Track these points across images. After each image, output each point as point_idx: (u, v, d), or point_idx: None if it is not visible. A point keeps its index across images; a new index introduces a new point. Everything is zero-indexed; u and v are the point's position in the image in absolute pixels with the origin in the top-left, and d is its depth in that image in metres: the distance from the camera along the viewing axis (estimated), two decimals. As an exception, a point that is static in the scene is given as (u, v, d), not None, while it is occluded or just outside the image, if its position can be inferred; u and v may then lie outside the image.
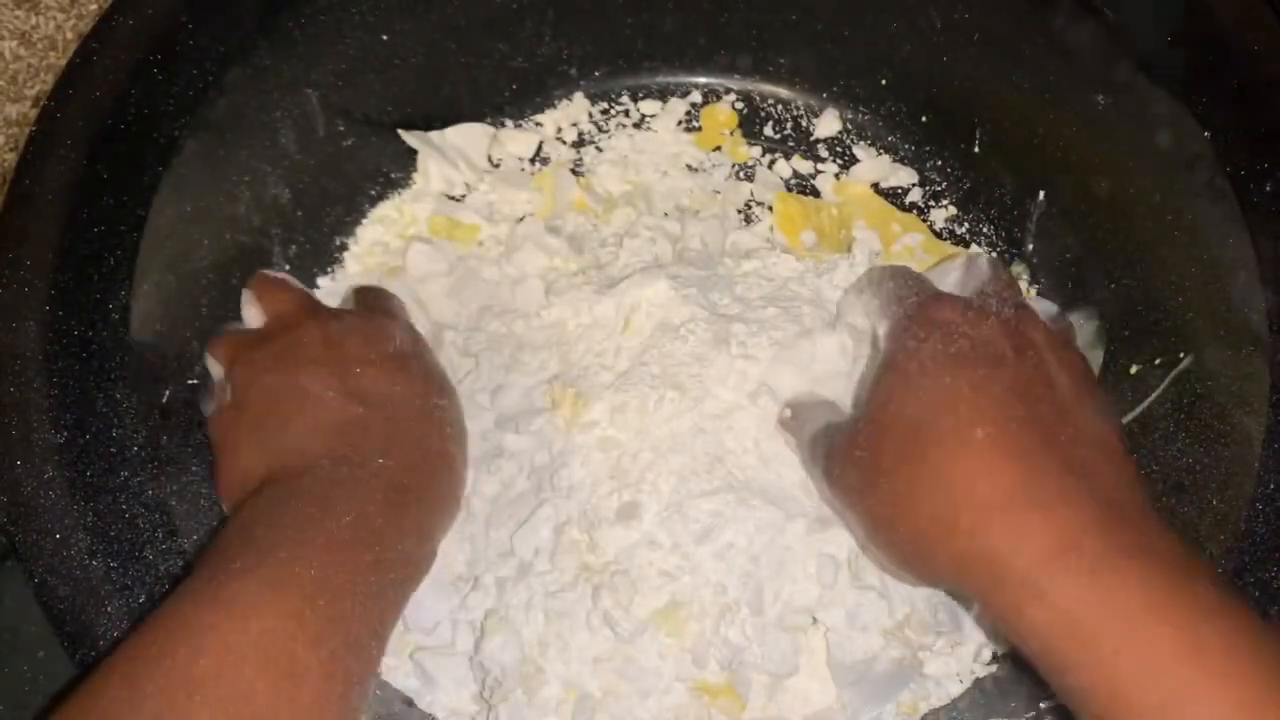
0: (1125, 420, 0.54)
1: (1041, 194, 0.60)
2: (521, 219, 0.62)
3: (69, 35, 0.72)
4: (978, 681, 0.51)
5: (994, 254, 0.63)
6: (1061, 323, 0.48)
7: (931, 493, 0.39)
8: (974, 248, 0.63)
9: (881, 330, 0.46)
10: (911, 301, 0.45)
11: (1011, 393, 0.40)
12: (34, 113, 0.69)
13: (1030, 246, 0.62)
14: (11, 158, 0.69)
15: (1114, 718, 0.34)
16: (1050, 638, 0.36)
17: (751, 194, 0.64)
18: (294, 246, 0.58)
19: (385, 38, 0.59)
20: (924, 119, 0.65)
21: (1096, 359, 0.56)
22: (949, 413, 0.40)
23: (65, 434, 0.43)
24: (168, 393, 0.48)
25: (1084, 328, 0.57)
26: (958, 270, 0.49)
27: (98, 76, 0.49)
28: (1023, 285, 0.61)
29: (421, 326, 0.55)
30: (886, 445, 0.42)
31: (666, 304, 0.54)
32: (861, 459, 0.43)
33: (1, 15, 0.72)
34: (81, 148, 0.48)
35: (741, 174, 0.65)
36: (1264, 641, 0.34)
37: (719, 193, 0.64)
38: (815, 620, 0.49)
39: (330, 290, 0.60)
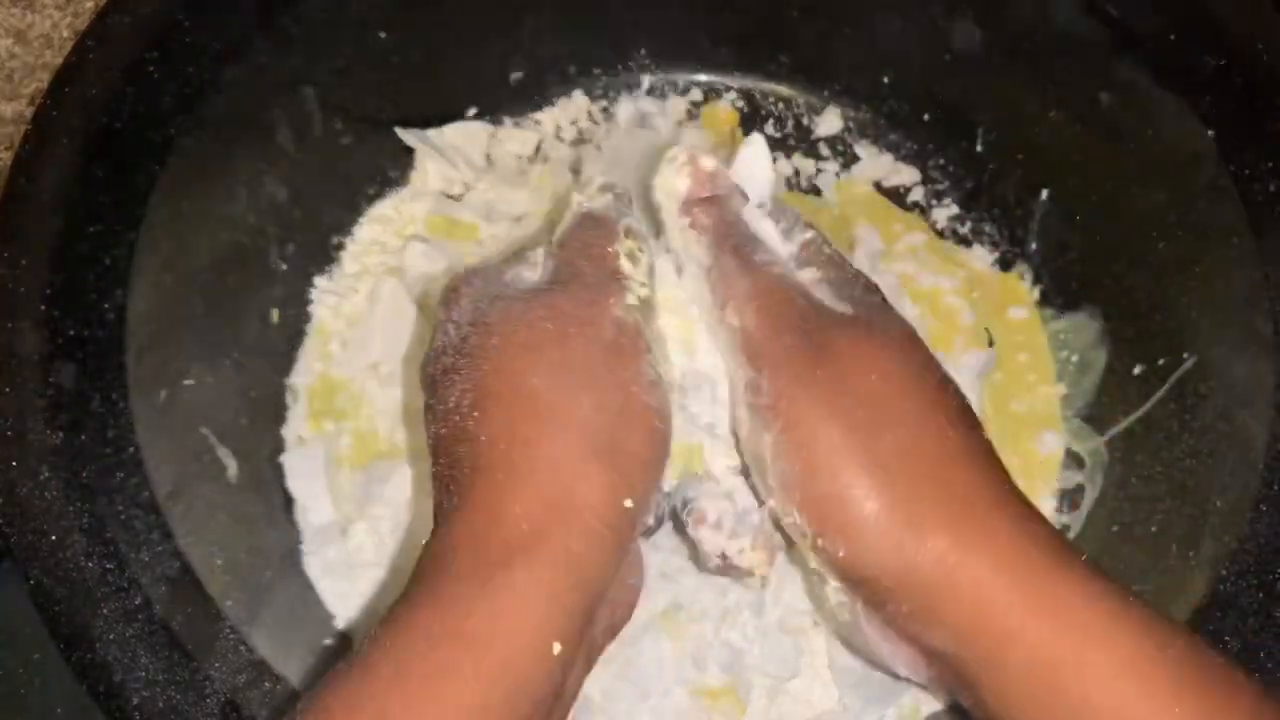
0: (1128, 421, 0.54)
1: (1044, 193, 0.60)
2: (520, 218, 0.62)
3: (65, 33, 0.72)
4: (979, 684, 0.51)
5: (996, 253, 0.63)
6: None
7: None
8: (975, 248, 0.63)
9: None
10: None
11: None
12: (30, 111, 0.69)
13: (1033, 246, 0.61)
14: (7, 156, 0.69)
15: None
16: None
17: (752, 193, 0.64)
18: (291, 245, 0.58)
19: (383, 35, 0.59)
20: (926, 117, 0.65)
21: (1100, 359, 0.56)
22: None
23: (61, 435, 0.43)
24: (164, 394, 0.48)
25: (1087, 328, 0.57)
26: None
27: (94, 75, 0.49)
28: (1023, 286, 0.61)
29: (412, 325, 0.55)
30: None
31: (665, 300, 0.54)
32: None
33: (-3, 13, 0.72)
34: (78, 146, 0.47)
35: (742, 173, 0.65)
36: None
37: (719, 191, 0.64)
38: (816, 623, 0.49)
39: (327, 290, 0.59)
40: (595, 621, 0.36)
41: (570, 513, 0.35)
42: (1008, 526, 0.35)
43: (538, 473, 0.35)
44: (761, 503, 0.41)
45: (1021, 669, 0.34)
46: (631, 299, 0.40)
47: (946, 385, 0.38)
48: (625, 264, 0.41)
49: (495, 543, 0.34)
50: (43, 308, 0.45)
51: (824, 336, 0.38)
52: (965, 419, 0.38)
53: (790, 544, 0.41)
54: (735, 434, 0.40)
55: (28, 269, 0.45)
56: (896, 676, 0.41)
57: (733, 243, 0.41)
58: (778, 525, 0.40)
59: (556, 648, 0.33)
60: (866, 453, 0.36)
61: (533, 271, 0.42)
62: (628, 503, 0.36)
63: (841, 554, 0.36)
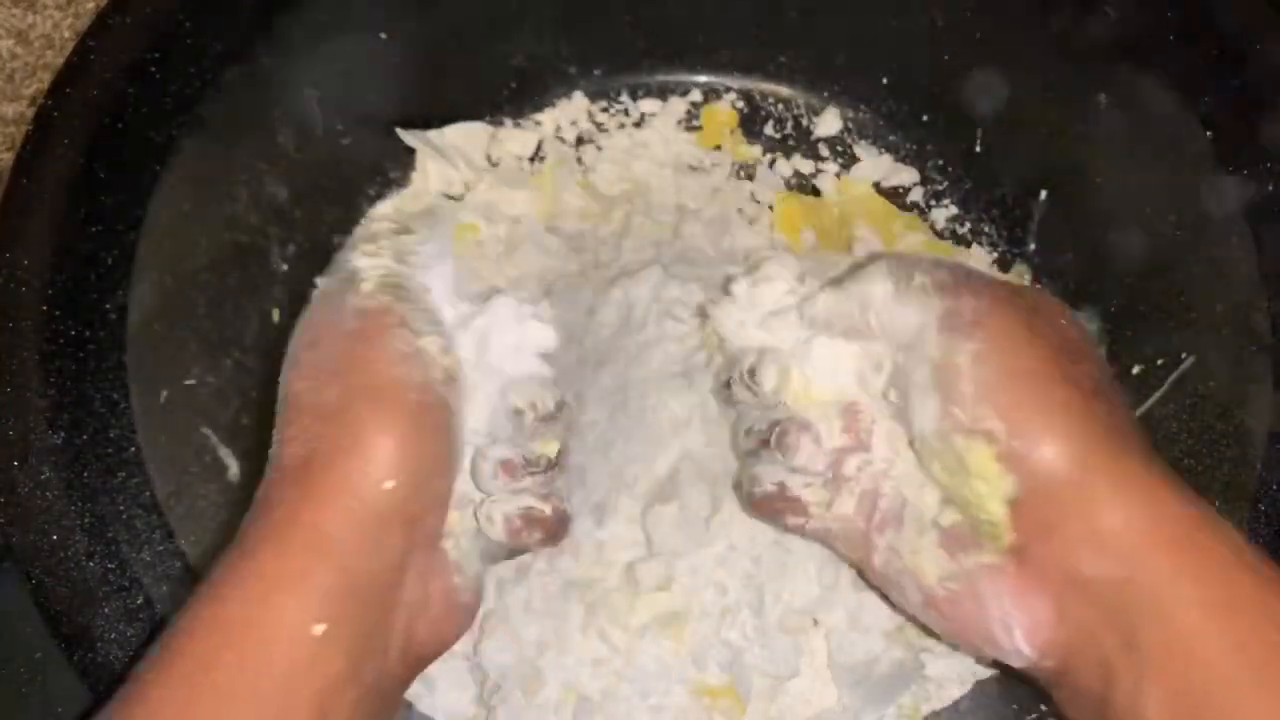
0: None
1: (1043, 193, 0.60)
2: (519, 218, 0.62)
3: (66, 34, 0.72)
4: (979, 683, 0.51)
5: (995, 254, 0.63)
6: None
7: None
8: (974, 249, 0.63)
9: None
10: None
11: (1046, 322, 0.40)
12: (31, 112, 0.69)
13: (1032, 246, 0.61)
14: (8, 157, 0.69)
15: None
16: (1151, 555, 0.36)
17: (752, 193, 0.64)
18: (292, 246, 0.58)
19: (384, 36, 0.59)
20: (925, 118, 0.65)
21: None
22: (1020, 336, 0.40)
23: (62, 435, 0.43)
24: (165, 393, 0.48)
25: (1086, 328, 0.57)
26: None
27: (95, 76, 0.49)
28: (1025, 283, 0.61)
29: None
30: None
31: (666, 304, 0.54)
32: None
33: (-2, 14, 0.72)
34: (79, 147, 0.48)
35: (742, 173, 0.65)
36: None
37: (719, 191, 0.64)
38: (816, 622, 0.49)
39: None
40: (389, 612, 0.37)
41: (320, 495, 0.37)
42: (1171, 487, 0.37)
43: (291, 461, 0.38)
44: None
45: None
46: (368, 285, 0.41)
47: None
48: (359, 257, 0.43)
49: (250, 533, 0.37)
50: (44, 308, 0.45)
51: (1010, 285, 0.42)
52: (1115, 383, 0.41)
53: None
54: (911, 370, 0.40)
55: (29, 269, 0.45)
56: (979, 659, 0.43)
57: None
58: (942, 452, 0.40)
59: (318, 629, 0.35)
60: (1069, 376, 0.38)
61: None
62: (387, 484, 0.37)
63: (1035, 456, 0.37)
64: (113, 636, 0.41)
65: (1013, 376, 0.38)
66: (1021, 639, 0.38)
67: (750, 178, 0.65)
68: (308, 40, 0.55)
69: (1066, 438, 0.37)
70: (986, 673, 0.51)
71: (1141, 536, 0.35)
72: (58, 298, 0.45)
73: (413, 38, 0.59)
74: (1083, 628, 0.37)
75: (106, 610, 0.41)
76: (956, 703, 0.50)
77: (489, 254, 0.60)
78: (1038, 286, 0.43)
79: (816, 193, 0.65)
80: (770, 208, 0.63)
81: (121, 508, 0.43)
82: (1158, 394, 0.52)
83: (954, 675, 0.50)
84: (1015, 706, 0.49)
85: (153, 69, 0.50)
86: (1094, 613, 0.36)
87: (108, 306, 0.46)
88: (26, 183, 0.47)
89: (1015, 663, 0.39)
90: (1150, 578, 0.35)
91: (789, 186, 0.65)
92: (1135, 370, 0.54)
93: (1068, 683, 0.38)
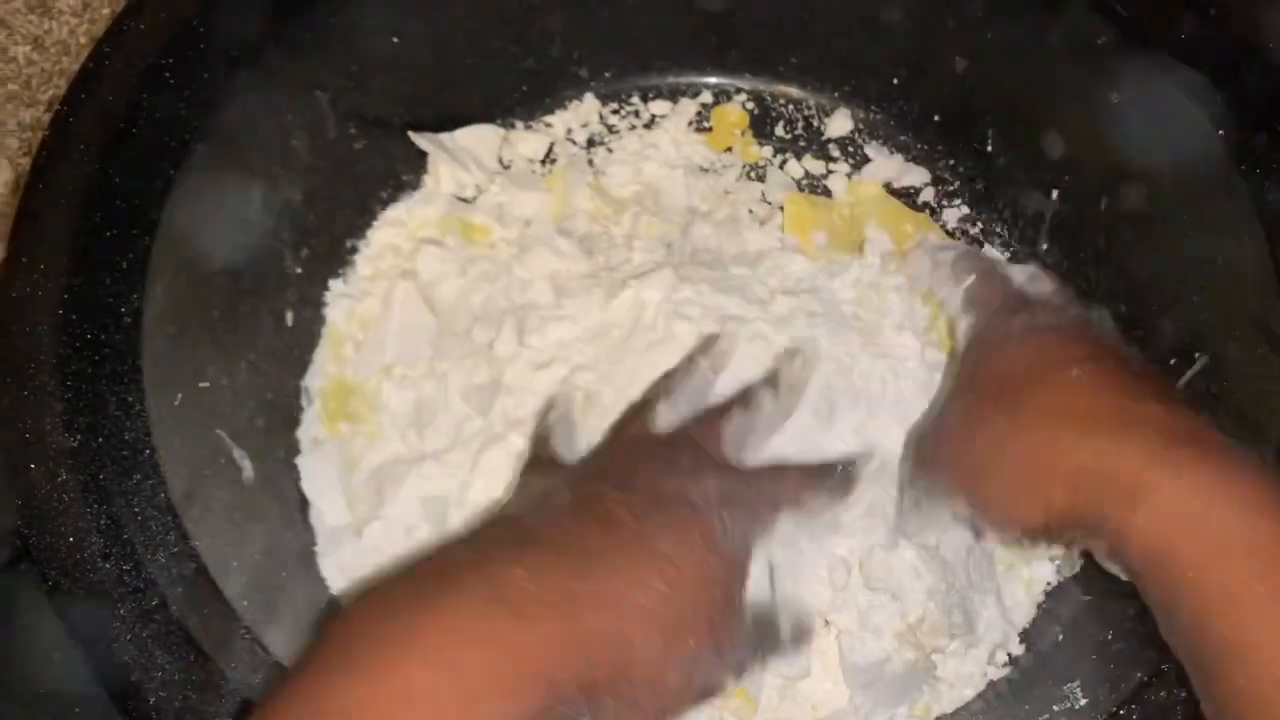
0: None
1: (1055, 193, 0.60)
2: (530, 221, 0.62)
3: (82, 40, 0.73)
4: (991, 684, 0.51)
5: (1007, 254, 0.63)
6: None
7: (1036, 423, 0.42)
8: (986, 248, 0.63)
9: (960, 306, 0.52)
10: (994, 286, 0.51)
11: (1094, 345, 0.45)
12: (47, 117, 0.69)
13: (1044, 246, 0.61)
14: (25, 162, 0.70)
15: (1221, 611, 0.35)
16: (1159, 536, 0.37)
17: (763, 194, 0.64)
18: (305, 249, 0.58)
19: (395, 40, 0.59)
20: (936, 118, 0.65)
21: (1111, 359, 0.56)
22: (1043, 361, 0.44)
23: (79, 437, 0.43)
24: (180, 396, 0.48)
25: (1098, 327, 0.57)
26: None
27: (110, 81, 0.49)
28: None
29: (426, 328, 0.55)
30: (984, 399, 0.45)
31: (677, 305, 0.54)
32: (953, 426, 0.47)
33: (15, 20, 0.73)
34: (94, 152, 0.48)
35: (753, 174, 0.65)
36: None
37: (730, 193, 0.64)
38: (827, 623, 0.49)
39: (341, 293, 0.60)
40: None
41: None
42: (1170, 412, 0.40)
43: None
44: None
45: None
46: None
47: None
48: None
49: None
50: (60, 311, 0.45)
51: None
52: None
53: None
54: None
55: (46, 273, 0.46)
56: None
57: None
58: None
59: None
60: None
61: None
62: None
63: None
64: (128, 637, 0.41)
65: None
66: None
67: (761, 179, 0.65)
68: (320, 45, 0.55)
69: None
70: (999, 674, 0.51)
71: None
72: (74, 301, 0.45)
73: (424, 41, 0.60)
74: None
75: (122, 611, 0.41)
76: (968, 704, 0.50)
77: (500, 256, 0.60)
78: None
79: (828, 193, 0.65)
80: (780, 209, 0.63)
81: (137, 509, 0.43)
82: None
83: (965, 676, 0.50)
84: (1027, 707, 0.49)
85: (167, 74, 0.50)
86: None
87: (123, 310, 0.46)
88: (43, 188, 0.47)
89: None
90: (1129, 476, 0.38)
91: (800, 187, 0.65)
92: (1148, 370, 0.54)
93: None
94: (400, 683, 0.33)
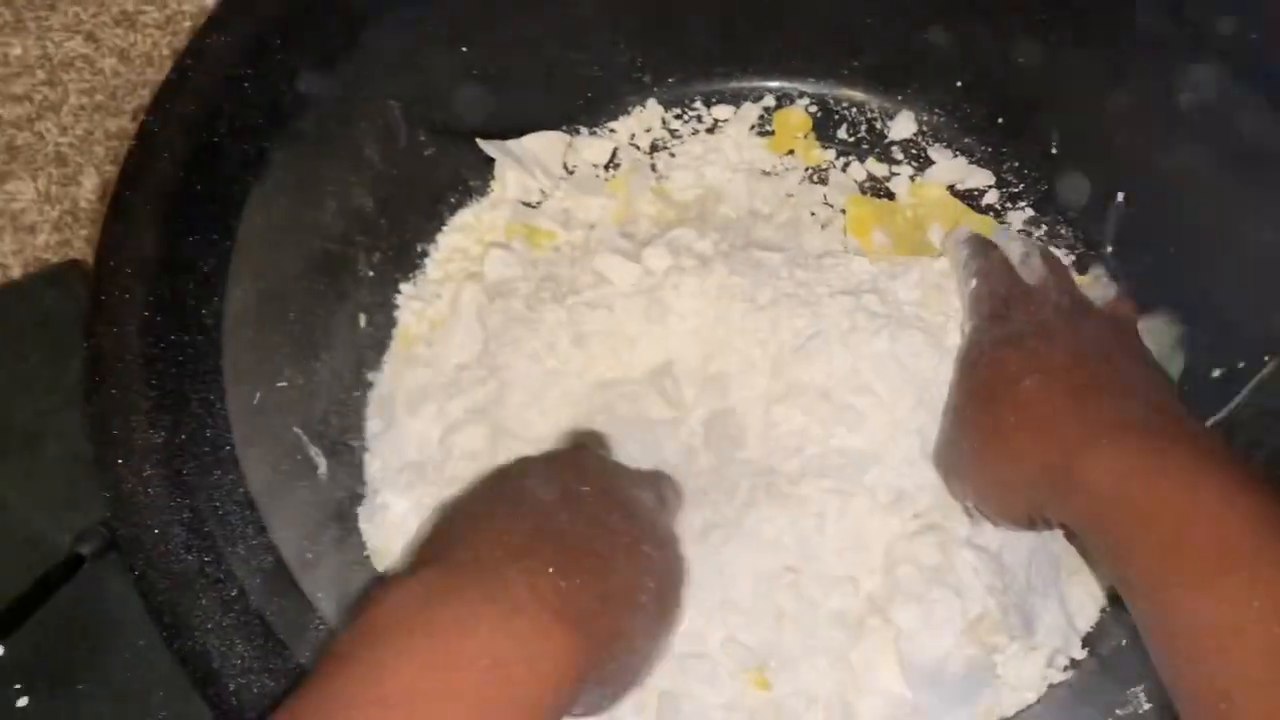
0: (1207, 426, 0.53)
1: (1120, 195, 0.59)
2: (594, 225, 0.63)
3: (164, 52, 0.75)
4: (1052, 687, 0.51)
5: (1072, 256, 0.62)
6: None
7: (1002, 435, 0.48)
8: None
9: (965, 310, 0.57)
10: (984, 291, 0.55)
11: (1061, 348, 0.50)
12: (133, 127, 0.71)
13: (1109, 249, 0.61)
14: (111, 170, 0.72)
15: (1166, 564, 0.40)
16: (1083, 515, 0.43)
17: (825, 197, 0.64)
18: (377, 254, 0.60)
19: (464, 50, 0.60)
20: (1000, 120, 0.64)
21: (1177, 363, 0.56)
22: (1004, 379, 0.49)
23: (163, 434, 0.44)
24: (258, 394, 0.50)
25: (1164, 331, 0.56)
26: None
27: (192, 92, 0.51)
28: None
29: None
30: (963, 414, 0.51)
31: (741, 309, 0.55)
32: (950, 436, 0.52)
33: (102, 33, 0.75)
34: (178, 161, 0.49)
35: (815, 177, 0.65)
36: None
37: (792, 196, 0.64)
38: (886, 620, 0.50)
39: (411, 295, 0.61)
40: None
41: None
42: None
43: None
44: None
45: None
46: None
47: None
48: None
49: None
50: (146, 313, 0.46)
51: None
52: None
53: None
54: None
55: (132, 277, 0.47)
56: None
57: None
58: None
59: None
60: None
61: None
62: None
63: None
64: (209, 626, 0.42)
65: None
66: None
67: (823, 182, 0.65)
68: (392, 55, 0.56)
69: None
70: (1060, 677, 0.51)
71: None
72: (159, 304, 0.47)
73: (492, 50, 0.61)
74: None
75: (204, 601, 0.42)
76: (1030, 707, 0.50)
77: (565, 260, 0.61)
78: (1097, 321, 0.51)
79: (891, 196, 0.65)
80: (842, 211, 0.64)
81: (217, 503, 0.44)
82: (1238, 399, 0.52)
83: (1027, 679, 0.50)
84: (1089, 711, 0.49)
85: (246, 85, 0.51)
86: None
87: (205, 312, 0.48)
88: (130, 195, 0.48)
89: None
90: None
91: (862, 190, 0.65)
92: (1215, 374, 0.53)
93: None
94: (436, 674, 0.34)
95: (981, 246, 0.57)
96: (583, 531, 0.41)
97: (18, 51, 0.75)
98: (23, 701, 0.48)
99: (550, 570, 0.38)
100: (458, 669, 0.34)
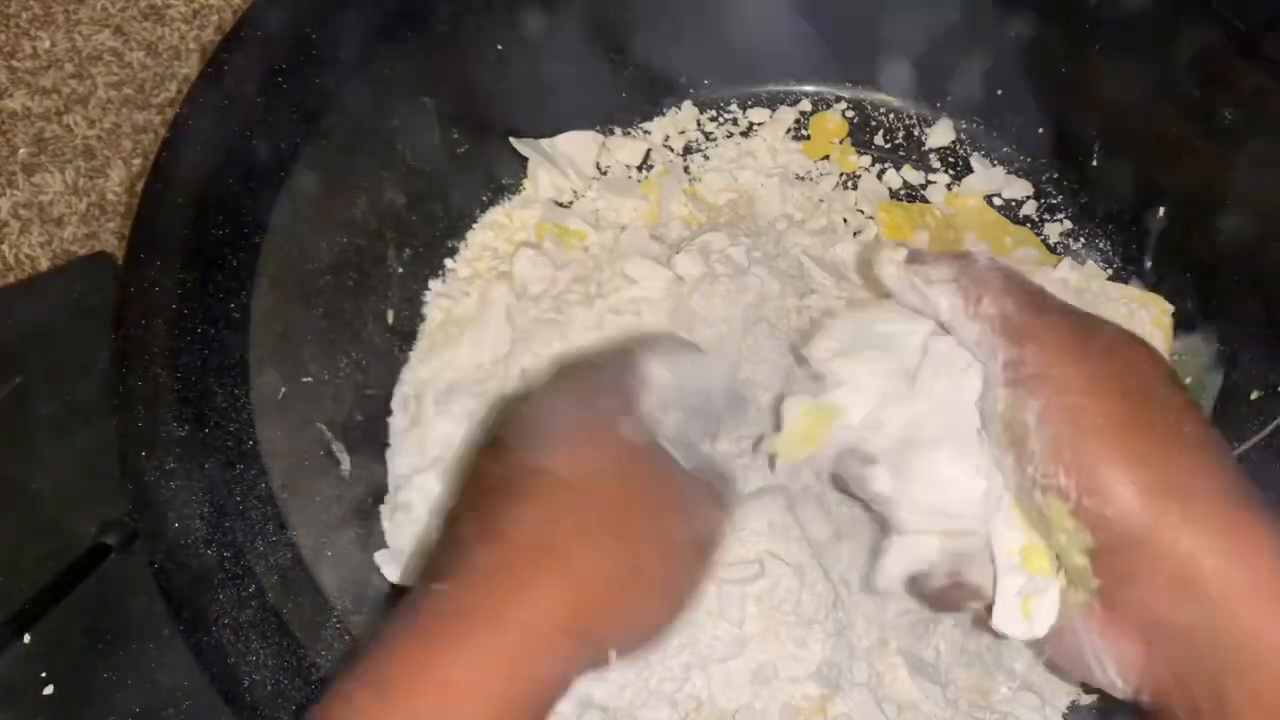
0: (1245, 448, 0.52)
1: (1161, 210, 0.58)
2: (626, 226, 0.63)
3: (192, 45, 0.75)
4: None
5: (1109, 270, 0.61)
6: None
7: None
8: (1088, 264, 0.61)
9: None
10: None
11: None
12: (159, 120, 0.72)
13: (1148, 264, 0.60)
14: (138, 162, 0.72)
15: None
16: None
17: (857, 203, 0.64)
18: (407, 250, 0.60)
19: (499, 48, 0.60)
20: (1040, 130, 0.63)
21: (1216, 382, 0.54)
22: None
23: (187, 427, 0.45)
24: (284, 390, 0.50)
25: (1203, 349, 0.55)
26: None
27: (226, 85, 0.51)
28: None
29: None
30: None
31: (768, 315, 0.55)
32: None
33: (130, 27, 0.76)
34: (210, 154, 0.49)
35: (849, 183, 0.65)
36: None
37: (824, 201, 0.64)
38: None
39: (440, 292, 0.61)
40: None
41: None
42: (1262, 527, 0.35)
43: None
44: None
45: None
46: None
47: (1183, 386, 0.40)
48: None
49: None
50: (174, 306, 0.47)
51: (1086, 318, 0.40)
52: (1204, 417, 0.39)
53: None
54: (987, 421, 0.40)
55: (162, 269, 0.47)
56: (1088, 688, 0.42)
57: (973, 260, 0.43)
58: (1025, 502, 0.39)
59: None
60: (1139, 423, 0.37)
61: None
62: None
63: (1108, 513, 0.36)
64: (226, 621, 0.42)
65: (1079, 433, 0.37)
66: (1114, 673, 0.38)
67: (857, 188, 0.64)
68: (426, 52, 0.56)
69: (1136, 492, 0.35)
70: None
71: (1226, 584, 0.34)
72: (186, 297, 0.47)
73: (527, 49, 0.61)
74: (1174, 670, 0.36)
75: (221, 596, 0.42)
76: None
77: (594, 260, 0.61)
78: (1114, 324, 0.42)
79: (926, 204, 0.64)
80: (871, 218, 0.63)
81: (238, 498, 0.44)
82: (1277, 420, 0.50)
83: None
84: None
85: (280, 80, 0.51)
86: (1183, 657, 0.35)
87: (233, 306, 0.48)
88: (160, 187, 0.49)
89: (1115, 694, 0.38)
90: (1235, 626, 0.34)
91: (898, 198, 0.64)
92: (1253, 395, 0.52)
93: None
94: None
95: (948, 256, 0.46)
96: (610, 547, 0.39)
97: (46, 45, 0.75)
98: (48, 690, 0.49)
99: (561, 606, 0.37)
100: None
